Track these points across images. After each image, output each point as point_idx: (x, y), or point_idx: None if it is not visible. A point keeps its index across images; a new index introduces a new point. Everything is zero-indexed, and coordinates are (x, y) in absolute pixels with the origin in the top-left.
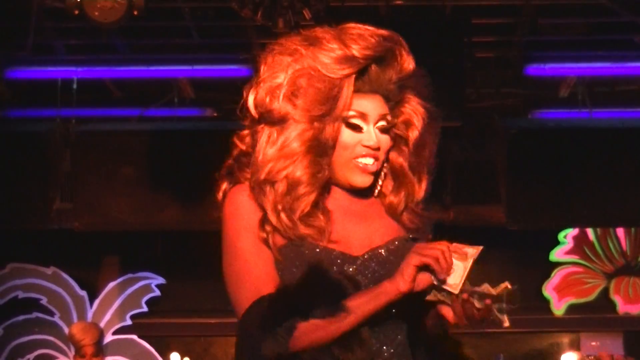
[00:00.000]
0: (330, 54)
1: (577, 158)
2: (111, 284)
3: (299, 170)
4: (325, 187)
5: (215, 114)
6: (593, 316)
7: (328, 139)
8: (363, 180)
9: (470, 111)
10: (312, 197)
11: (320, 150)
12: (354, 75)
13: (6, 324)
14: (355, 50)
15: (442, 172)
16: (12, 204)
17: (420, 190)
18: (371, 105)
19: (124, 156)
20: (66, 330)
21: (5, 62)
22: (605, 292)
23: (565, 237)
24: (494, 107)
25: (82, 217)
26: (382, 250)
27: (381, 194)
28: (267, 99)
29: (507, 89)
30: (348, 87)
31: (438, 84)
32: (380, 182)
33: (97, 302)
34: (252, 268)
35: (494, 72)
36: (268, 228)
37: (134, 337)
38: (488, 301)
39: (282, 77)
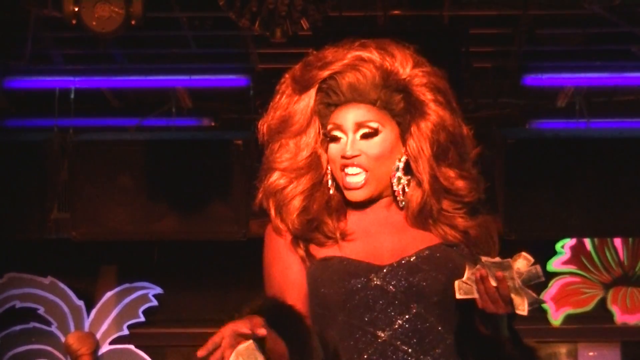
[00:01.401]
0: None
1: (574, 168)
2: (108, 294)
3: (299, 186)
4: (340, 204)
5: (213, 124)
6: (591, 326)
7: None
8: (351, 191)
9: (467, 121)
10: (299, 203)
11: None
12: (314, 95)
13: (3, 333)
14: (310, 73)
15: None
16: (9, 213)
17: (450, 194)
18: (347, 116)
19: (121, 166)
20: (63, 340)
21: (2, 72)
22: (602, 302)
23: (562, 247)
24: (492, 117)
25: (79, 227)
26: (413, 258)
27: (408, 204)
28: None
29: (504, 99)
30: (316, 107)
31: None
32: (399, 191)
33: (94, 311)
34: (278, 292)
35: (491, 82)
36: (301, 244)
37: (131, 347)
38: (499, 273)
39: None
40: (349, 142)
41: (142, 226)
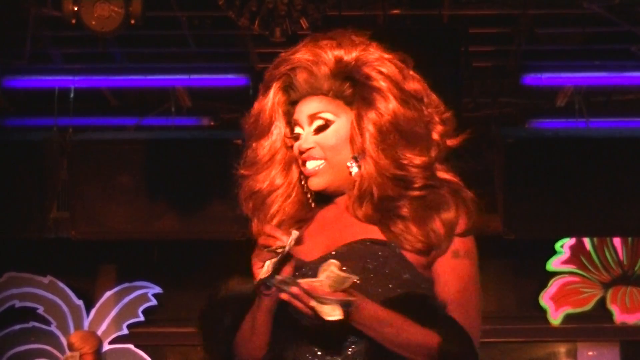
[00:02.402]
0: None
1: (574, 167)
2: (108, 293)
3: (264, 182)
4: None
5: (212, 123)
6: (590, 326)
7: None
8: (311, 178)
9: (467, 120)
10: (271, 205)
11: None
12: (274, 94)
13: (3, 333)
14: (267, 76)
15: None
16: (8, 212)
17: (395, 181)
18: (302, 109)
19: (121, 165)
20: (63, 339)
21: (2, 71)
22: (602, 301)
23: (562, 246)
24: (491, 116)
25: (79, 226)
26: (333, 253)
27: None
28: None
29: (504, 98)
30: (280, 107)
31: (435, 92)
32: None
33: (93, 311)
34: None
35: (491, 82)
36: None
37: (131, 346)
38: (295, 289)
39: None
40: (304, 135)
41: (141, 225)
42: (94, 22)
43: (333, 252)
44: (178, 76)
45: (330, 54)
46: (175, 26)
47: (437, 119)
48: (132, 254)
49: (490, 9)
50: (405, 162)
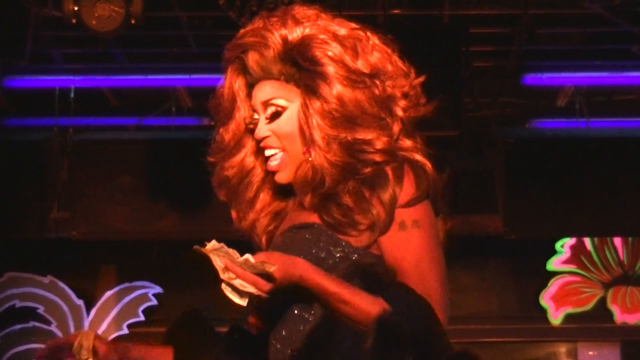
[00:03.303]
0: None
1: (574, 167)
2: (108, 293)
3: (242, 177)
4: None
5: (212, 123)
6: (590, 326)
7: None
8: (277, 178)
9: (467, 120)
10: (243, 194)
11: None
12: (231, 77)
13: (3, 333)
14: (225, 56)
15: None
16: (9, 212)
17: (345, 170)
18: (256, 95)
19: (121, 165)
20: None
21: (2, 71)
22: (602, 301)
23: (562, 246)
24: (492, 116)
25: (79, 226)
26: (281, 237)
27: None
28: None
29: (504, 98)
30: (240, 90)
31: (435, 93)
32: None
33: (94, 311)
34: None
35: (491, 82)
36: None
37: None
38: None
39: None
40: (259, 123)
41: (142, 225)
42: (94, 22)
43: (278, 239)
44: (178, 76)
45: (277, 34)
46: (175, 26)
47: (398, 93)
48: (132, 254)
49: (490, 9)
50: (358, 148)
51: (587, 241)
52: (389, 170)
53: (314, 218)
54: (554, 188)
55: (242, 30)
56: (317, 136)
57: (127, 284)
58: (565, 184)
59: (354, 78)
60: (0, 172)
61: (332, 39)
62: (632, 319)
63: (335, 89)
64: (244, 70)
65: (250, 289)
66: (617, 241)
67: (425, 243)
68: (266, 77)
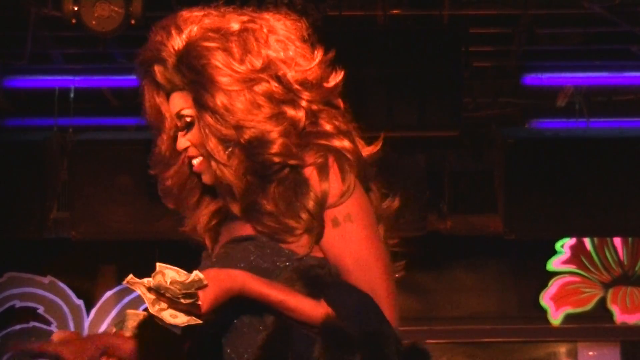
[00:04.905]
0: None
1: (574, 168)
2: (108, 293)
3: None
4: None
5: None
6: (590, 326)
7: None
8: (203, 179)
9: (467, 121)
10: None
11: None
12: (154, 90)
13: (3, 333)
14: (136, 74)
15: (440, 181)
16: (9, 212)
17: (250, 177)
18: (170, 107)
19: (121, 165)
20: None
21: (2, 71)
22: (602, 301)
23: (562, 246)
24: (492, 116)
25: (79, 226)
26: (214, 260)
27: None
28: None
29: (504, 98)
30: (161, 102)
31: (436, 93)
32: None
33: (94, 311)
34: None
35: (491, 82)
36: None
37: None
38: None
39: None
40: (178, 135)
41: (141, 225)
42: (94, 22)
43: (214, 259)
44: None
45: (169, 45)
46: None
47: (298, 80)
48: (132, 254)
49: (490, 9)
50: (253, 151)
51: (587, 241)
52: (309, 171)
53: (251, 229)
54: (554, 188)
55: (143, 45)
56: (211, 147)
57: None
58: (565, 184)
59: (241, 79)
60: (0, 172)
61: (216, 40)
62: (632, 319)
63: (219, 98)
64: (156, 83)
65: (183, 317)
66: (617, 241)
67: (362, 236)
68: (174, 88)
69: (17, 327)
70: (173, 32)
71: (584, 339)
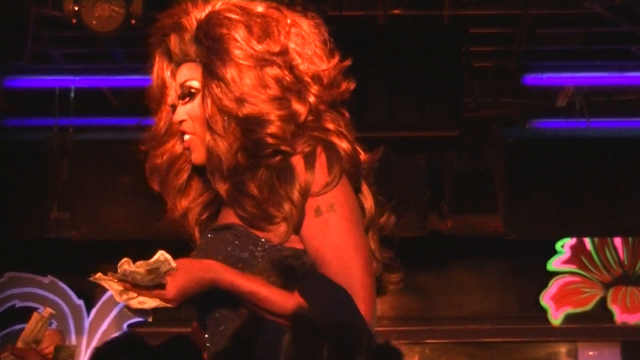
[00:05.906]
0: None
1: (575, 168)
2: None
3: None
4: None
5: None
6: (590, 326)
7: None
8: (191, 157)
9: (468, 121)
10: (174, 184)
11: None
12: (158, 62)
13: (3, 333)
14: (150, 41)
15: (440, 181)
16: (9, 212)
17: (242, 155)
18: (177, 77)
19: (121, 165)
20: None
21: (2, 71)
22: (602, 301)
23: (562, 246)
24: (492, 116)
25: (79, 226)
26: (204, 239)
27: None
28: None
29: (505, 98)
30: (168, 75)
31: (436, 93)
32: None
33: (94, 311)
34: None
35: (491, 82)
36: None
37: None
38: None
39: None
40: (178, 106)
41: (142, 225)
42: (94, 22)
43: (195, 252)
44: None
45: (192, 15)
46: None
47: (310, 77)
48: (133, 254)
49: (490, 9)
50: (249, 127)
51: (587, 241)
52: (296, 159)
53: (233, 218)
54: (554, 188)
55: (163, 13)
56: (211, 117)
57: None
58: (565, 184)
59: (255, 56)
60: (0, 172)
61: (239, 15)
62: (632, 319)
63: (230, 70)
64: (169, 54)
65: (151, 302)
66: (617, 241)
67: (343, 227)
68: (186, 59)
69: (18, 327)
70: (200, 2)
71: (584, 339)
